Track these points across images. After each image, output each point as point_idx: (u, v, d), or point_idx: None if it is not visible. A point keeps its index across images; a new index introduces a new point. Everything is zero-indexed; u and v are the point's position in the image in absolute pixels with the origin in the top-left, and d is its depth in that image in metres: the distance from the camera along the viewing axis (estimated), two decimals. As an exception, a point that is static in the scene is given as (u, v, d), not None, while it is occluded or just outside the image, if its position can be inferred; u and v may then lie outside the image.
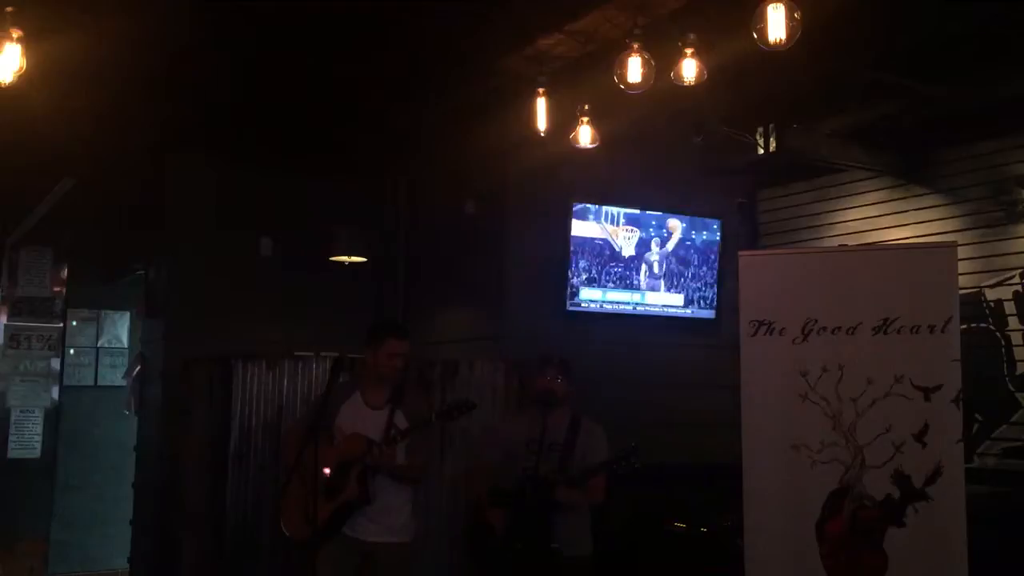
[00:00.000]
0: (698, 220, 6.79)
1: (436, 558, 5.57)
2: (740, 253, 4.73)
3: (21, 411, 8.00)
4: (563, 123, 5.18)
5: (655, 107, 5.12)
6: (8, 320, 8.03)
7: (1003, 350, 5.87)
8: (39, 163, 6.36)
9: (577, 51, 4.84)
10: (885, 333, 4.29)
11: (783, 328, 4.43)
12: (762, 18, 3.87)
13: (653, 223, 6.63)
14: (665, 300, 6.68)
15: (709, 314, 6.80)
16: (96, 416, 8.93)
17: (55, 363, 8.17)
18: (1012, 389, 5.81)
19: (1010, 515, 5.03)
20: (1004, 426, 5.82)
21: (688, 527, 5.66)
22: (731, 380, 4.63)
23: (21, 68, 4.10)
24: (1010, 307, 5.87)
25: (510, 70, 5.12)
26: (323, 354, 5.64)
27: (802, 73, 5.14)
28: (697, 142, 6.24)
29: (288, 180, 6.95)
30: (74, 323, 8.94)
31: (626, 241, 6.53)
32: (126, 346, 9.22)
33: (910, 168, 6.40)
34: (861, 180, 6.70)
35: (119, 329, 9.29)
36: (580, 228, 6.38)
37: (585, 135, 5.22)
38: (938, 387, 4.19)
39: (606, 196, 6.46)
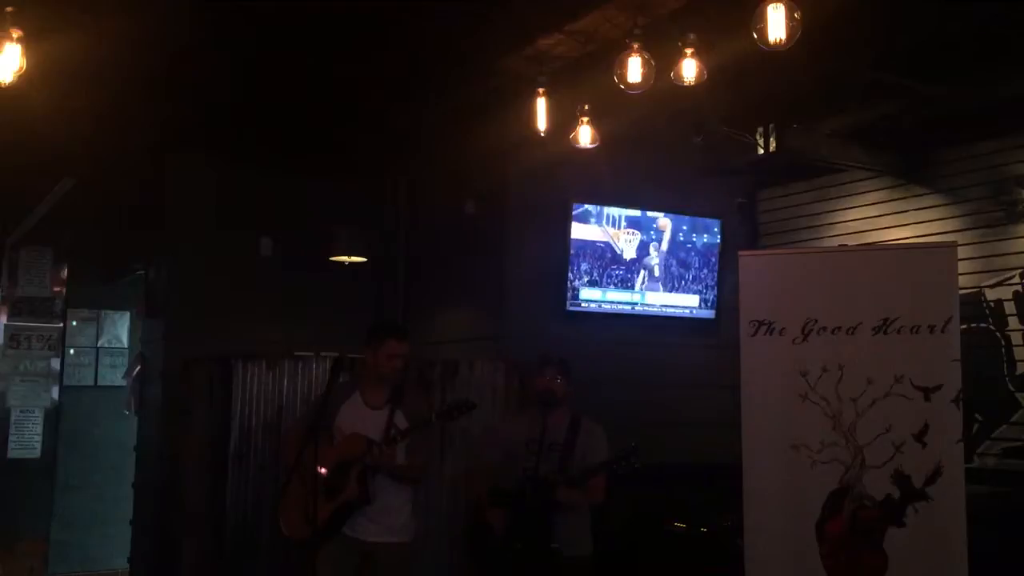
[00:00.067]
0: (698, 220, 6.79)
1: (436, 558, 5.57)
2: (740, 253, 4.73)
3: (21, 411, 8.00)
4: (563, 123, 5.18)
5: (655, 107, 5.12)
6: (8, 320, 8.03)
7: (1003, 350, 5.87)
8: (39, 163, 6.36)
9: (577, 51, 4.84)
10: (885, 333, 4.28)
11: (783, 328, 4.43)
12: (762, 18, 3.86)
13: (654, 226, 6.64)
14: (665, 300, 6.68)
15: (709, 314, 6.80)
16: (96, 416, 8.93)
17: (55, 363, 8.17)
18: (1012, 389, 5.81)
19: (1010, 515, 5.03)
20: (1004, 426, 5.82)
21: (688, 527, 5.66)
22: (731, 380, 4.63)
23: (21, 68, 4.10)
24: (1010, 307, 5.87)
25: (510, 70, 5.12)
26: (323, 354, 5.64)
27: (802, 73, 5.14)
28: (697, 142, 6.24)
29: (288, 180, 6.95)
30: (74, 323, 8.94)
31: (627, 244, 6.54)
32: (126, 346, 9.22)
33: (910, 168, 6.40)
34: (861, 180, 6.70)
35: (119, 329, 9.29)
36: (582, 231, 6.38)
37: (585, 135, 5.22)
38: (938, 387, 4.19)
39: (606, 196, 6.47)
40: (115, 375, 9.11)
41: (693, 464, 5.71)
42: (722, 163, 6.62)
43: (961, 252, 4.88)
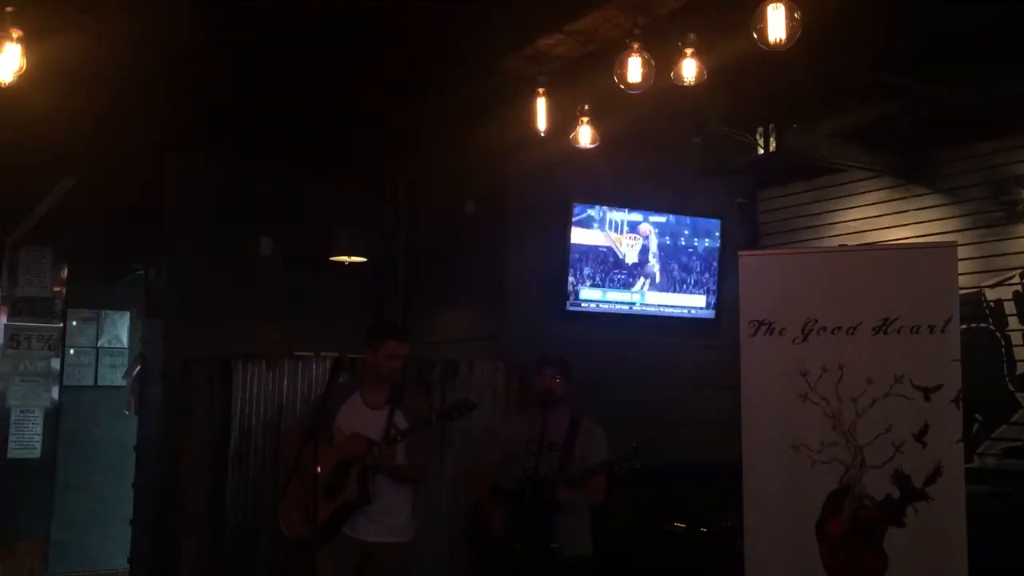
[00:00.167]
0: (698, 220, 6.79)
1: (436, 558, 5.57)
2: (740, 253, 4.73)
3: (21, 411, 8.00)
4: (563, 123, 5.18)
5: (655, 107, 5.12)
6: (8, 320, 8.03)
7: (1003, 350, 5.87)
8: (39, 163, 6.36)
9: (577, 51, 4.84)
10: (885, 333, 4.28)
11: (783, 328, 4.42)
12: (762, 18, 3.86)
13: (656, 231, 6.64)
14: (665, 300, 6.68)
15: (709, 314, 6.80)
16: (96, 416, 8.93)
17: (55, 363, 8.17)
18: (1012, 389, 5.81)
19: (1010, 515, 5.03)
20: (1004, 426, 5.81)
21: (688, 527, 5.66)
22: (731, 380, 4.63)
23: (21, 68, 4.10)
24: (1010, 307, 5.87)
25: (510, 70, 5.12)
26: (323, 354, 5.63)
27: (802, 73, 5.14)
28: (697, 142, 6.24)
29: (288, 180, 6.95)
30: (74, 323, 8.94)
31: (630, 248, 6.55)
32: (126, 346, 9.22)
33: (910, 168, 6.40)
34: (861, 180, 6.70)
35: (119, 329, 9.29)
36: (585, 236, 6.39)
37: (585, 135, 5.22)
38: (938, 387, 4.18)
39: (606, 196, 6.47)
40: (115, 375, 9.11)
41: (693, 464, 5.71)
42: (722, 163, 6.62)
43: (961, 252, 4.88)
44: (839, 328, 4.35)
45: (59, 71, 4.59)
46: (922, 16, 4.73)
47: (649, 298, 6.63)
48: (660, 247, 6.67)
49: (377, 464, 4.51)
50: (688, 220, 6.75)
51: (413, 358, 4.99)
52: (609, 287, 6.48)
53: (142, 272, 7.66)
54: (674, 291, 6.71)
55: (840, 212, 6.83)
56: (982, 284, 5.97)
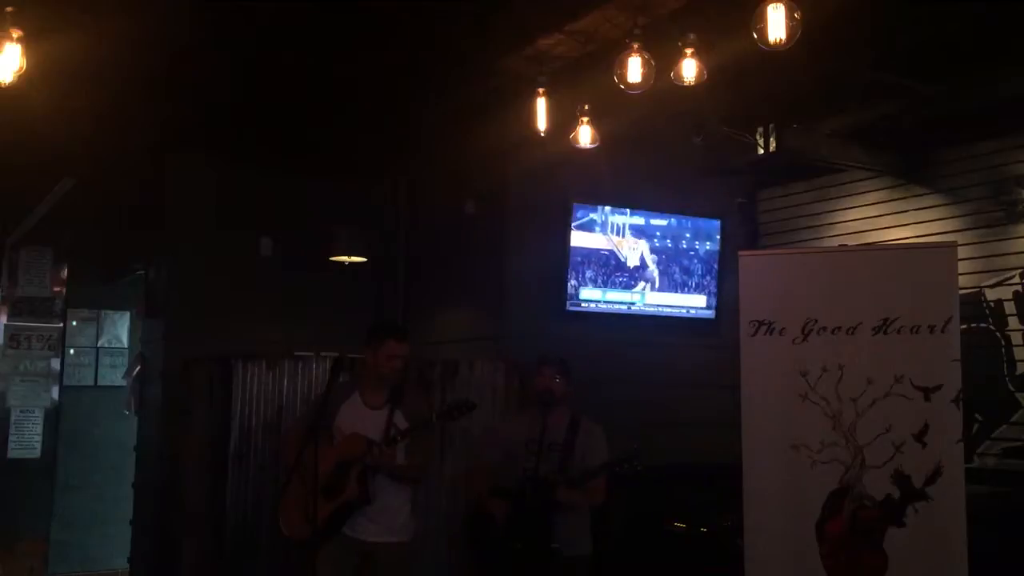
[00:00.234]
0: (698, 220, 6.79)
1: (436, 558, 5.57)
2: (740, 253, 4.73)
3: (21, 411, 8.00)
4: (563, 123, 5.17)
5: (655, 107, 5.11)
6: (8, 320, 8.03)
7: (1003, 350, 5.87)
8: (39, 163, 6.36)
9: (577, 51, 4.84)
10: (885, 333, 4.28)
11: (783, 328, 4.43)
12: (762, 18, 3.86)
13: (657, 234, 6.65)
14: (665, 300, 6.69)
15: (709, 314, 6.80)
16: (96, 416, 8.93)
17: (55, 363, 8.17)
18: (1012, 389, 5.81)
19: (1010, 515, 5.03)
20: (1004, 426, 5.81)
21: (688, 527, 5.66)
22: (731, 380, 4.63)
23: (21, 68, 4.10)
24: (1010, 307, 5.87)
25: (510, 70, 5.12)
26: (323, 354, 5.64)
27: (802, 73, 5.14)
28: (697, 142, 6.24)
29: (288, 180, 6.95)
30: (74, 323, 8.94)
31: (631, 252, 6.55)
32: (126, 346, 9.22)
33: (910, 168, 6.40)
34: (861, 180, 6.70)
35: (119, 329, 9.29)
36: (587, 239, 6.39)
37: (585, 135, 5.21)
38: (938, 387, 4.18)
39: (606, 196, 6.47)
40: (115, 375, 9.11)
41: (693, 464, 5.71)
42: (722, 163, 6.62)
43: (961, 252, 4.88)
44: (839, 328, 4.35)
45: (59, 71, 4.58)
46: (922, 16, 4.73)
47: (649, 298, 6.63)
48: (662, 250, 6.67)
49: (377, 464, 4.51)
50: (689, 222, 6.76)
51: (413, 358, 4.99)
52: (610, 288, 6.49)
53: (142, 272, 7.66)
54: (674, 291, 6.71)
55: (840, 212, 6.83)
56: (982, 284, 5.97)
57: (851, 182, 6.77)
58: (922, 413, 4.18)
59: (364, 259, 7.15)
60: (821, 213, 6.95)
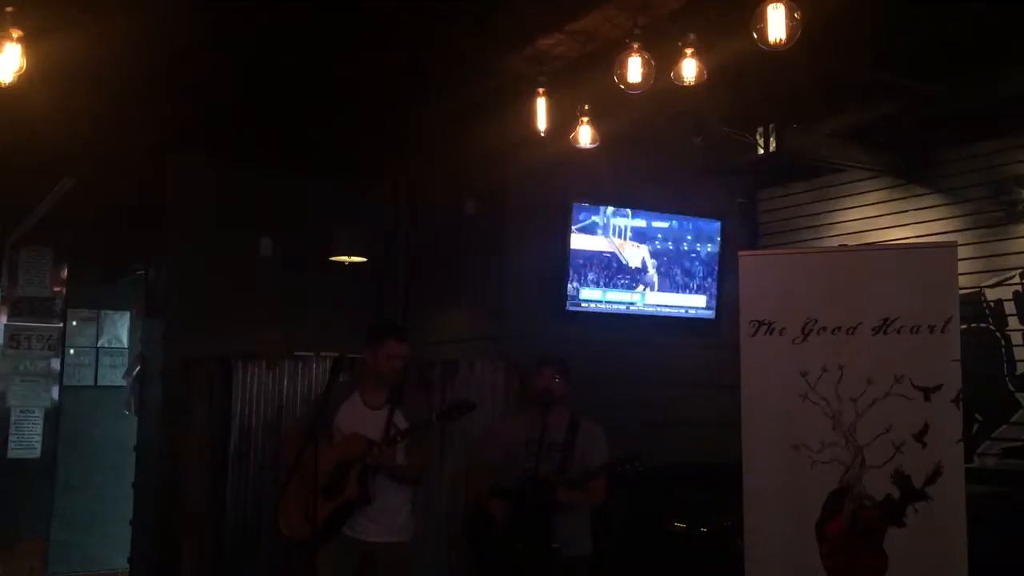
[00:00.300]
0: (698, 220, 6.79)
1: (436, 558, 5.57)
2: (740, 253, 4.72)
3: (21, 411, 8.01)
4: (563, 123, 5.17)
5: (655, 107, 5.11)
6: (8, 320, 8.03)
7: (1003, 350, 5.87)
8: (39, 163, 6.36)
9: (577, 51, 4.84)
10: (885, 333, 4.28)
11: (783, 328, 4.42)
12: (762, 18, 3.86)
13: (659, 236, 6.66)
14: (665, 300, 6.69)
15: (709, 314, 6.80)
16: (96, 416, 8.94)
17: (55, 363, 8.18)
18: (1012, 389, 5.81)
19: (1010, 515, 5.03)
20: (1004, 426, 5.81)
21: (688, 527, 5.66)
22: (731, 380, 4.63)
23: (21, 68, 4.10)
24: (1010, 307, 5.87)
25: (510, 70, 5.11)
26: (323, 354, 5.64)
27: (802, 73, 5.14)
28: (697, 142, 6.24)
29: (288, 180, 6.95)
30: (74, 323, 8.94)
31: (633, 253, 6.55)
32: (126, 346, 9.23)
33: (910, 168, 6.40)
34: (861, 180, 6.70)
35: (119, 329, 9.29)
36: (588, 242, 6.40)
37: (585, 135, 5.21)
38: (938, 387, 4.18)
39: (606, 196, 6.47)
40: (115, 375, 9.11)
41: (693, 464, 5.71)
42: (722, 163, 6.62)
43: (961, 252, 4.87)
44: (839, 328, 4.35)
45: (59, 71, 4.58)
46: (922, 16, 4.73)
47: (649, 298, 6.63)
48: (663, 252, 6.67)
49: (377, 464, 4.51)
50: (689, 223, 6.76)
51: (413, 358, 4.99)
52: (610, 289, 6.49)
53: (142, 272, 7.66)
54: (674, 291, 6.71)
55: (840, 212, 6.83)
56: (982, 284, 5.97)
57: (851, 182, 6.77)
58: (922, 413, 4.18)
59: (364, 259, 7.15)
60: (821, 213, 6.95)
